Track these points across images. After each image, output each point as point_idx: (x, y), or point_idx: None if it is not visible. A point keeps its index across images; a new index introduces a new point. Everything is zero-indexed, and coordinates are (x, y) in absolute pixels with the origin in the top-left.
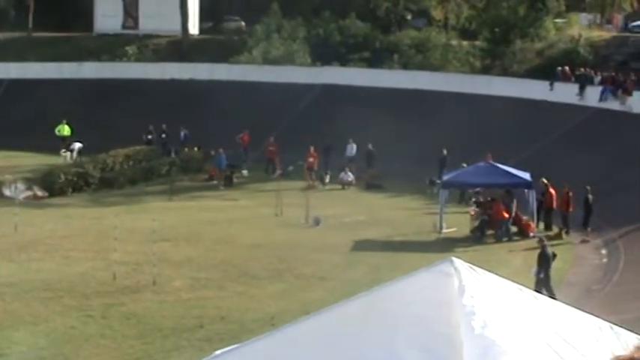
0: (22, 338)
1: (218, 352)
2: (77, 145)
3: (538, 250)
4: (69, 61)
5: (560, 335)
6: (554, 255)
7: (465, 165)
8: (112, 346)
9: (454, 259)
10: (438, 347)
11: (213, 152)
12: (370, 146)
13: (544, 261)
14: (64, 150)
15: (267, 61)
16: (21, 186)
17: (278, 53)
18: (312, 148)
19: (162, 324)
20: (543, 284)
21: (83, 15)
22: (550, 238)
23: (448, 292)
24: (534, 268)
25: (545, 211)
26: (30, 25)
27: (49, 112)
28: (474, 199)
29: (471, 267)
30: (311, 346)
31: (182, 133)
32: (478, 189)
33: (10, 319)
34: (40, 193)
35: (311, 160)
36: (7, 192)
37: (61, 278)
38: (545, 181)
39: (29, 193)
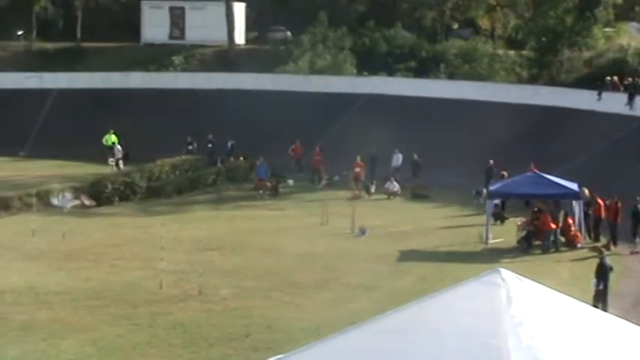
0: (69, 346)
1: None
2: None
3: (597, 262)
4: (117, 71)
5: (608, 346)
6: (611, 267)
7: (504, 173)
8: (158, 354)
9: (502, 269)
10: (485, 357)
11: (257, 162)
12: (416, 156)
13: (602, 272)
14: (111, 159)
15: (314, 71)
16: (69, 195)
17: (324, 63)
18: (358, 158)
19: (208, 333)
20: (601, 296)
21: (131, 25)
22: (597, 249)
23: (496, 302)
24: (594, 280)
25: (593, 222)
26: (78, 36)
27: (97, 122)
28: (535, 209)
29: (518, 277)
30: (357, 356)
31: (229, 144)
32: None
33: (58, 328)
34: (87, 202)
35: (357, 170)
36: (55, 201)
37: (109, 287)
38: (587, 191)
39: (77, 202)
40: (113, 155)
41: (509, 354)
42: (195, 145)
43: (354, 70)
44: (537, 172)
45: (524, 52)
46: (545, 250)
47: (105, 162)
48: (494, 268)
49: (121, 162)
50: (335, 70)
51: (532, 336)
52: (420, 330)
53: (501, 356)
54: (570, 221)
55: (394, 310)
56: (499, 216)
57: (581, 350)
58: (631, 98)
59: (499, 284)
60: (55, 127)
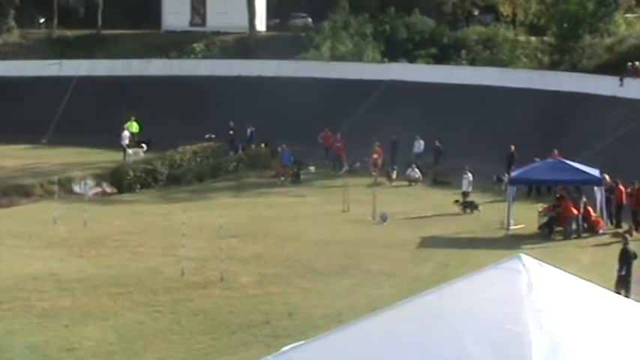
0: (91, 333)
1: (285, 347)
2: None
3: (620, 248)
4: (137, 58)
5: (630, 332)
6: (635, 255)
7: (538, 159)
8: (180, 341)
9: (523, 255)
10: (506, 344)
11: (280, 149)
12: (438, 143)
13: (625, 258)
14: (132, 147)
15: (335, 57)
16: (90, 182)
17: (346, 49)
18: (376, 144)
19: (229, 320)
20: (623, 282)
21: (151, 12)
22: (620, 235)
23: (517, 288)
24: (616, 266)
25: (615, 208)
26: (99, 23)
27: (118, 109)
28: (557, 195)
29: (539, 263)
30: (378, 342)
31: (248, 131)
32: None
33: (79, 314)
34: (108, 189)
35: (375, 156)
36: (76, 188)
37: (130, 274)
38: (608, 177)
39: (98, 189)
40: (136, 143)
41: (530, 340)
42: (235, 131)
43: (378, 57)
44: (561, 158)
45: (545, 38)
46: (566, 236)
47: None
48: (515, 254)
49: (129, 149)
50: (357, 56)
51: (553, 322)
52: (440, 316)
53: (522, 342)
54: (590, 208)
55: (415, 297)
56: (469, 204)
57: (603, 336)
58: None
59: (520, 270)
60: (76, 115)
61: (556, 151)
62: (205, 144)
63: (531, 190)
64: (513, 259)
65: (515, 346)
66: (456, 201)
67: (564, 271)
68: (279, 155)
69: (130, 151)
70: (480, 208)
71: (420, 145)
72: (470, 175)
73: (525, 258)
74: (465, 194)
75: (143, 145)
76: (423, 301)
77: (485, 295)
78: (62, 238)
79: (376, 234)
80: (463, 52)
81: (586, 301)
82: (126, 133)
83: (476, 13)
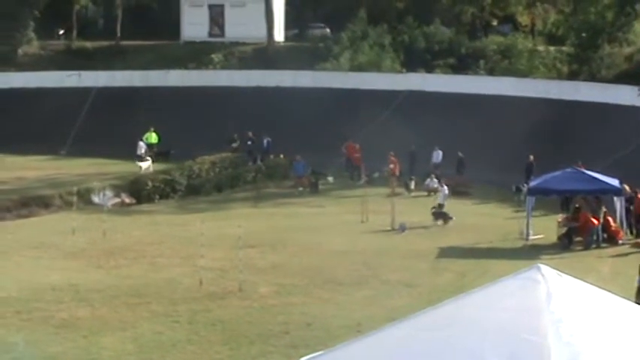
0: (110, 343)
1: (304, 358)
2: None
3: None
4: (156, 69)
5: None
6: None
7: (580, 162)
8: (198, 352)
9: (541, 265)
10: (525, 355)
11: (295, 160)
12: (460, 154)
13: None
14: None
15: (354, 68)
16: (109, 193)
17: (366, 59)
18: (391, 154)
19: (248, 330)
20: None
21: (170, 23)
22: (638, 244)
23: (536, 299)
24: (637, 276)
25: (634, 217)
26: (118, 34)
27: (137, 120)
28: (576, 205)
29: (558, 273)
30: (397, 353)
31: (265, 141)
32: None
33: (98, 325)
34: (127, 200)
35: (391, 166)
36: (95, 199)
37: (149, 284)
38: (628, 187)
39: (117, 200)
40: (155, 154)
41: (550, 350)
42: (238, 143)
43: (397, 67)
44: (583, 168)
45: (564, 48)
46: (586, 246)
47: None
48: (534, 264)
49: (143, 162)
50: (375, 66)
51: (572, 333)
52: (459, 326)
53: (541, 353)
54: (609, 218)
55: (434, 307)
56: (441, 215)
57: (623, 347)
58: None
59: (539, 280)
60: (95, 126)
61: (580, 162)
62: (224, 154)
63: (565, 201)
64: (532, 269)
65: (534, 356)
66: (433, 207)
67: (584, 281)
68: (294, 166)
69: (141, 164)
70: (454, 219)
71: (438, 155)
72: (446, 188)
73: (544, 268)
74: (440, 206)
75: (148, 158)
76: (441, 311)
77: (503, 305)
78: (81, 248)
79: (395, 244)
80: (482, 62)
81: (606, 312)
82: (141, 144)
83: (494, 23)
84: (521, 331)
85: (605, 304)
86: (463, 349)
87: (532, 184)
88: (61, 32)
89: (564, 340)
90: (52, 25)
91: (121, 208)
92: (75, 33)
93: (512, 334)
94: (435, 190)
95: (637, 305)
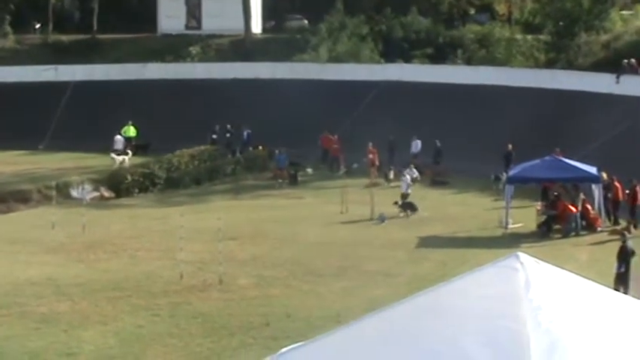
0: (91, 337)
1: (284, 349)
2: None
3: (619, 245)
4: (133, 62)
5: (627, 329)
6: (634, 252)
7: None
8: (179, 344)
9: (520, 253)
10: (504, 342)
11: (276, 152)
12: (438, 143)
13: (624, 255)
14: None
15: (332, 59)
16: (88, 187)
17: (344, 49)
18: (370, 145)
19: (228, 322)
20: (622, 279)
21: (147, 16)
22: (618, 232)
23: (514, 287)
24: (615, 263)
25: (611, 205)
26: (94, 28)
27: (115, 113)
28: (555, 193)
29: (537, 261)
30: (376, 342)
31: (245, 133)
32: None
33: (78, 319)
34: (106, 193)
35: (371, 156)
36: (74, 193)
37: (129, 278)
38: (605, 175)
39: (96, 193)
40: (133, 147)
41: (529, 337)
42: (219, 134)
43: (376, 57)
44: (561, 156)
45: (541, 37)
46: (565, 234)
47: (123, 153)
48: (513, 252)
49: (117, 156)
50: (354, 57)
51: (551, 320)
52: (438, 314)
53: (521, 340)
54: (588, 205)
55: (413, 296)
56: (408, 205)
57: (602, 333)
58: None
59: (517, 268)
60: (73, 120)
61: (557, 150)
62: (203, 147)
63: (545, 190)
64: (511, 257)
65: (513, 343)
66: (395, 202)
67: (563, 268)
68: (276, 158)
69: (116, 157)
70: (420, 209)
71: (417, 145)
72: (408, 177)
73: (523, 256)
74: (404, 195)
75: (128, 151)
76: (420, 300)
77: (482, 293)
78: (60, 243)
79: (374, 234)
80: (459, 51)
81: (584, 299)
82: (119, 138)
83: (472, 12)
84: (500, 318)
85: (584, 291)
86: (442, 337)
87: (511, 172)
88: (38, 26)
89: (543, 327)
90: (29, 19)
91: (100, 202)
92: (51, 27)
93: (492, 321)
94: (415, 180)
95: (615, 292)
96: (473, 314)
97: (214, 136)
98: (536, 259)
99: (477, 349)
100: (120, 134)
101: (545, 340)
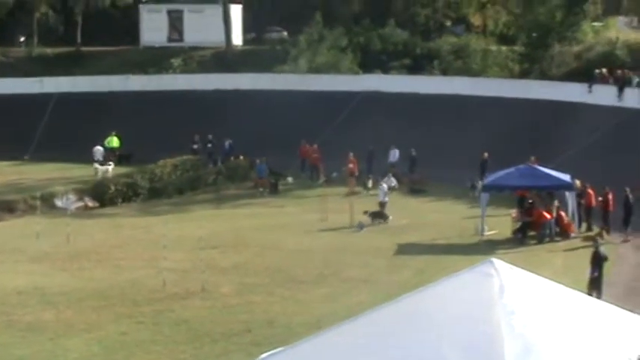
0: (75, 346)
1: (263, 355)
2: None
3: (592, 251)
4: (116, 74)
5: (601, 333)
6: (606, 257)
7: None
8: (163, 351)
9: (494, 259)
10: (479, 345)
11: (258, 161)
12: (413, 151)
13: (597, 261)
14: (108, 162)
15: (312, 70)
16: (72, 197)
17: (323, 61)
18: (350, 154)
19: (211, 329)
20: (596, 284)
21: (130, 29)
22: (591, 238)
23: (489, 292)
24: (589, 268)
25: (584, 211)
26: (78, 40)
27: (99, 124)
28: (529, 201)
29: (511, 267)
30: (355, 346)
31: (226, 144)
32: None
33: (63, 327)
34: (90, 203)
35: (351, 166)
36: (59, 203)
37: (113, 286)
38: (579, 182)
39: (80, 203)
40: (117, 158)
41: (503, 341)
42: (200, 144)
43: (355, 68)
44: (537, 165)
45: (515, 48)
46: (540, 240)
47: (107, 164)
48: (489, 259)
49: (100, 166)
50: (334, 68)
51: (525, 324)
52: (416, 318)
53: (495, 343)
54: (562, 212)
55: (391, 302)
56: (378, 214)
57: (574, 337)
58: (620, 90)
59: (492, 274)
60: (58, 131)
61: (533, 158)
62: (185, 157)
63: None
64: (485, 263)
65: (488, 347)
66: (365, 212)
67: (538, 274)
68: (257, 167)
69: (99, 168)
70: (391, 218)
71: (395, 154)
72: (385, 186)
73: (497, 262)
74: (381, 204)
75: (111, 163)
76: (398, 306)
77: (458, 297)
78: (45, 252)
79: (354, 242)
80: (436, 62)
81: (557, 303)
82: (98, 148)
83: (448, 24)
84: (475, 322)
85: (557, 295)
86: (420, 341)
87: (486, 180)
88: (22, 39)
89: (517, 331)
90: (13, 32)
91: (84, 212)
92: (36, 39)
93: (467, 325)
94: (393, 189)
95: (588, 296)
96: (449, 319)
97: (195, 147)
98: (510, 265)
99: (452, 353)
100: (100, 145)
101: (519, 343)
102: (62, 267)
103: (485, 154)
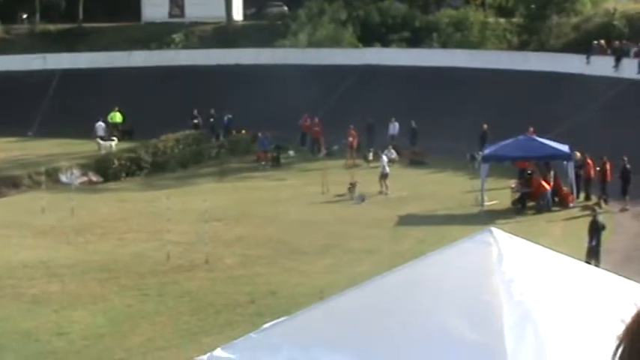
0: (81, 317)
1: (267, 324)
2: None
3: (590, 220)
4: (118, 50)
5: (598, 301)
6: (604, 226)
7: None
8: (167, 322)
9: (493, 229)
10: (478, 313)
11: (260, 134)
12: (413, 123)
13: (595, 230)
14: (112, 138)
15: (313, 44)
16: (76, 172)
17: (324, 35)
18: (351, 127)
19: (215, 300)
20: (594, 253)
21: (131, 4)
22: (589, 207)
23: (488, 260)
24: (587, 237)
25: (584, 182)
26: (80, 17)
27: (101, 100)
28: (529, 171)
29: (510, 236)
30: (357, 315)
31: (225, 118)
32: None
33: (69, 300)
34: (94, 178)
35: (350, 139)
36: (63, 178)
37: (117, 259)
38: (579, 154)
39: (84, 178)
40: (120, 133)
41: (501, 308)
42: (200, 119)
43: (355, 42)
44: (535, 135)
45: (514, 20)
46: (539, 210)
47: (109, 140)
48: (488, 228)
49: (102, 142)
50: (335, 42)
51: (523, 292)
52: (415, 287)
53: (493, 310)
54: (560, 182)
55: (391, 271)
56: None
57: (573, 305)
58: (618, 61)
59: (490, 243)
60: (61, 107)
61: (531, 129)
62: (187, 132)
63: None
64: (484, 232)
65: (487, 314)
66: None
67: (537, 243)
68: (259, 140)
69: (102, 143)
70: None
71: (394, 127)
72: (385, 158)
73: (496, 231)
74: (383, 175)
75: (114, 138)
76: (398, 275)
77: (457, 266)
78: (50, 226)
79: (355, 213)
80: (435, 35)
81: (556, 272)
82: (100, 124)
83: None
84: (474, 290)
85: (555, 264)
86: (419, 309)
87: (486, 151)
88: (25, 16)
89: (515, 299)
90: (16, 9)
91: (88, 187)
92: (38, 16)
93: (466, 293)
94: (393, 161)
95: (586, 265)
96: (448, 287)
97: (195, 121)
98: (509, 234)
99: (452, 320)
100: (102, 121)
101: (518, 311)
102: (67, 241)
103: (485, 126)
